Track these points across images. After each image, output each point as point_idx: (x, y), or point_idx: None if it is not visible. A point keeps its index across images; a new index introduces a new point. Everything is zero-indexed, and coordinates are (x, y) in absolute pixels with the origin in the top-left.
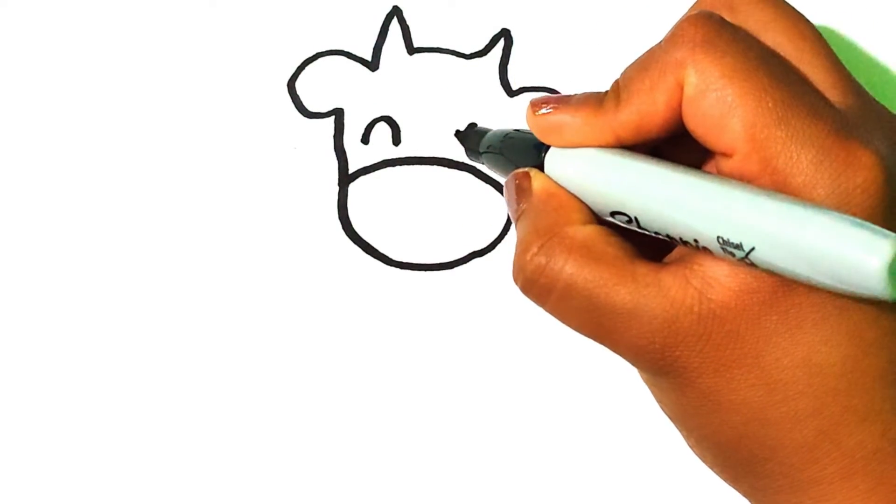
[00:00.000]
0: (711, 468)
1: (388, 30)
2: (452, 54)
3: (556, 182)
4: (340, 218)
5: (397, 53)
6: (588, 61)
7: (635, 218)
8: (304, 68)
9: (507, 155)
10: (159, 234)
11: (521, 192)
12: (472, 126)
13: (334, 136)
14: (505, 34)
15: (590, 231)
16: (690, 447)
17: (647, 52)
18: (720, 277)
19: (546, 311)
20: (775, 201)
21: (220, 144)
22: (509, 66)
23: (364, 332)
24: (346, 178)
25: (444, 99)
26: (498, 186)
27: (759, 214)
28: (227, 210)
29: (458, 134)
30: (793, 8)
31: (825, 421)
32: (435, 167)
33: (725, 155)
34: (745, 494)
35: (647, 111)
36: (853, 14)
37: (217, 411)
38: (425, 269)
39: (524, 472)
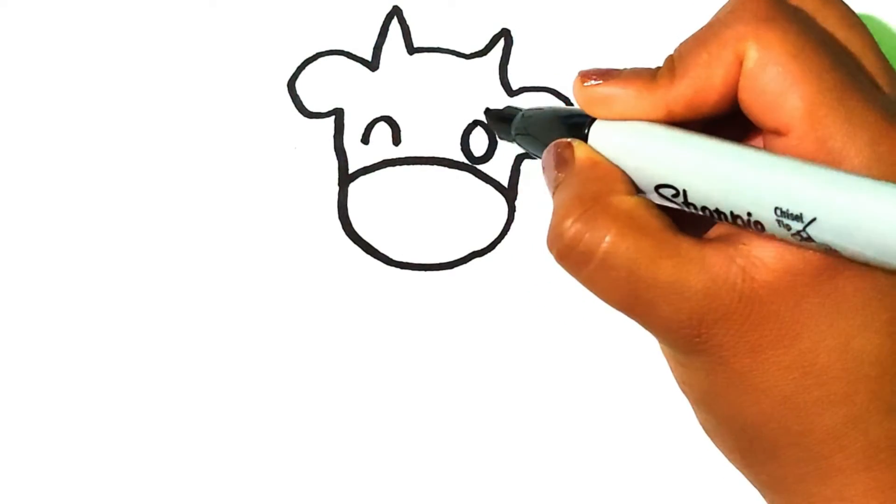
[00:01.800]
0: (729, 455)
1: (388, 30)
2: (452, 54)
3: (599, 153)
4: (340, 218)
5: (397, 53)
6: (588, 61)
7: (684, 191)
8: (304, 68)
9: (544, 132)
10: (159, 234)
11: (562, 161)
12: (489, 112)
13: (334, 136)
14: (505, 34)
15: (635, 202)
16: (707, 432)
17: (705, 26)
18: (765, 258)
19: (580, 280)
20: (839, 173)
21: (220, 144)
22: (509, 66)
23: (364, 332)
24: (346, 178)
25: (444, 99)
26: (498, 186)
27: (822, 185)
28: (228, 210)
29: (488, 113)
30: (840, 0)
31: (854, 408)
32: (435, 167)
33: (779, 133)
34: (762, 484)
35: (702, 85)
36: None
37: (217, 411)
38: (425, 269)
39: (524, 472)
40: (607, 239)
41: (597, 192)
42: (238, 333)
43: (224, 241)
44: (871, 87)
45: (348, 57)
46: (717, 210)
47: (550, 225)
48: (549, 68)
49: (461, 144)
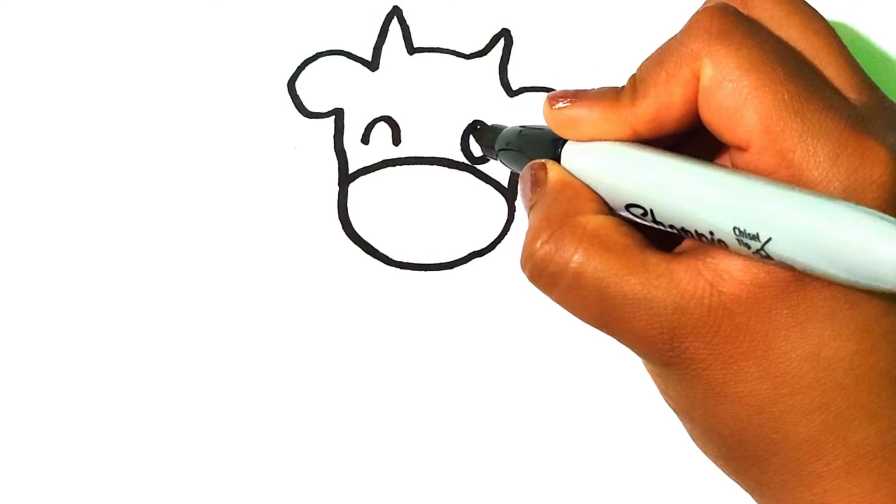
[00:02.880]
0: (715, 462)
1: (388, 30)
2: (452, 54)
3: (571, 174)
4: (340, 218)
5: (397, 53)
6: (588, 61)
7: (650, 210)
8: (304, 68)
9: (524, 150)
10: (159, 234)
11: (536, 182)
12: (476, 123)
13: (334, 136)
14: (505, 34)
15: (602, 221)
16: (694, 440)
17: (664, 45)
18: (732, 271)
19: (553, 300)
20: (793, 192)
21: (220, 144)
22: (509, 66)
23: (364, 332)
24: (346, 178)
25: (444, 99)
26: (498, 186)
27: (776, 204)
28: (228, 210)
29: (471, 130)
30: (807, 4)
31: (831, 416)
32: (435, 167)
33: (741, 149)
34: (749, 489)
35: (663, 104)
36: (865, 11)
37: (217, 411)
38: (425, 269)
39: (524, 472)
40: (575, 258)
41: (565, 213)
42: (238, 333)
43: (224, 241)
44: (835, 96)
45: (348, 57)
46: (682, 228)
47: (523, 245)
48: (549, 68)
49: (461, 144)
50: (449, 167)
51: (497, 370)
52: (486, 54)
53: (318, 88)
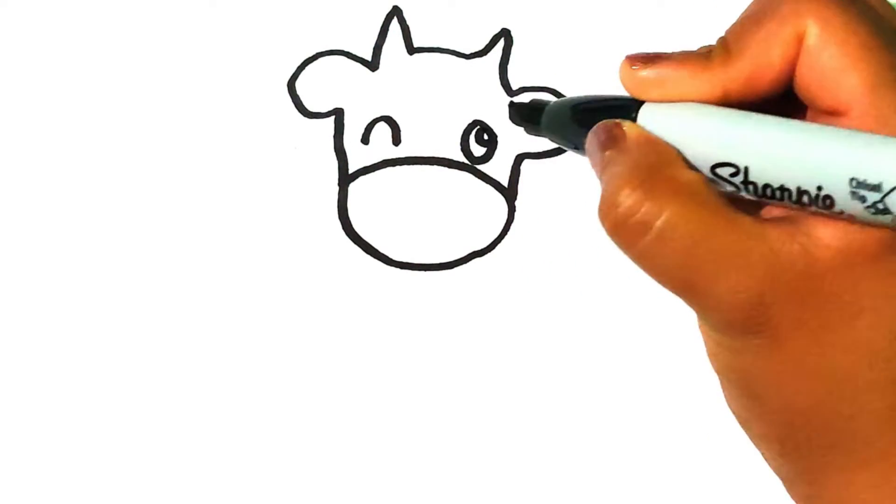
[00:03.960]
0: (767, 444)
1: (388, 30)
2: (452, 54)
3: (651, 132)
4: (340, 218)
5: (397, 53)
6: (588, 61)
7: (745, 169)
8: (304, 68)
9: (583, 123)
10: (160, 234)
11: (612, 138)
12: (515, 104)
13: (334, 136)
14: (505, 34)
15: (693, 176)
16: (745, 421)
17: (756, 4)
18: (823, 237)
19: (632, 255)
20: None
21: (220, 144)
22: (509, 66)
23: (364, 332)
24: (346, 178)
25: (444, 99)
26: (498, 186)
27: None
28: (228, 210)
29: (512, 106)
30: None
31: None
32: (435, 167)
33: (837, 113)
34: (797, 473)
35: (760, 64)
36: None
37: (217, 410)
38: (425, 269)
39: (524, 471)
40: (668, 209)
41: (655, 164)
42: (238, 333)
43: (224, 241)
44: None
45: (348, 57)
46: (781, 188)
47: (602, 197)
48: (549, 68)
49: (461, 144)
50: (449, 167)
51: (497, 370)
52: (486, 54)
53: (318, 88)
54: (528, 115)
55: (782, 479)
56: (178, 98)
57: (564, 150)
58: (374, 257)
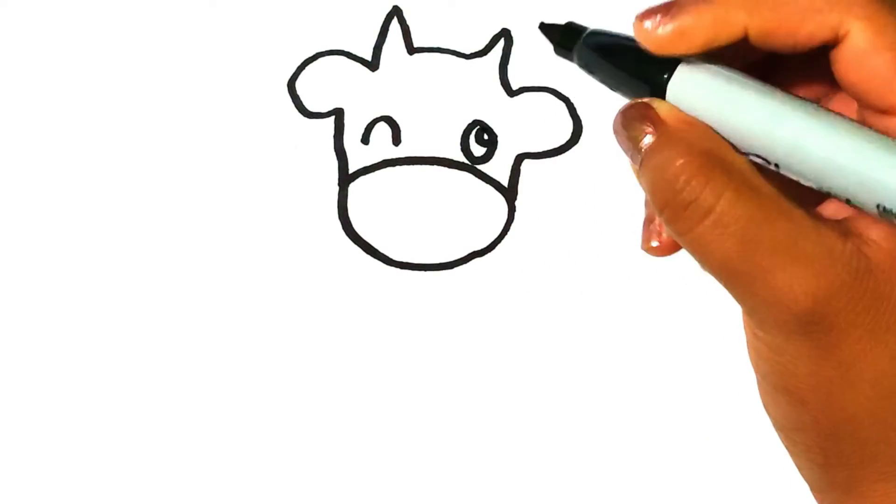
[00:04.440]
0: (805, 452)
1: (388, 30)
2: (452, 54)
3: (685, 112)
4: (340, 218)
5: (397, 53)
6: None
7: (776, 164)
8: (304, 68)
9: (618, 65)
10: (160, 234)
11: (648, 121)
12: (547, 25)
13: (334, 136)
14: (505, 34)
15: (746, 161)
16: (783, 427)
17: None
18: (876, 238)
19: (688, 241)
20: None
21: (220, 144)
22: (509, 66)
23: (364, 332)
24: (346, 178)
25: (444, 99)
26: (498, 186)
27: None
28: (228, 210)
29: (544, 26)
30: None
31: None
32: (435, 167)
33: (884, 113)
34: (835, 484)
35: (788, 27)
36: None
37: (217, 410)
38: (425, 269)
39: (524, 471)
40: (726, 194)
41: (708, 149)
42: (238, 333)
43: (224, 241)
44: None
45: (348, 57)
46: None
47: (659, 186)
48: (549, 68)
49: (461, 144)
50: (449, 167)
51: (497, 369)
52: (486, 54)
53: (318, 88)
54: (561, 39)
55: (812, 485)
56: (179, 98)
57: (564, 151)
58: (374, 257)
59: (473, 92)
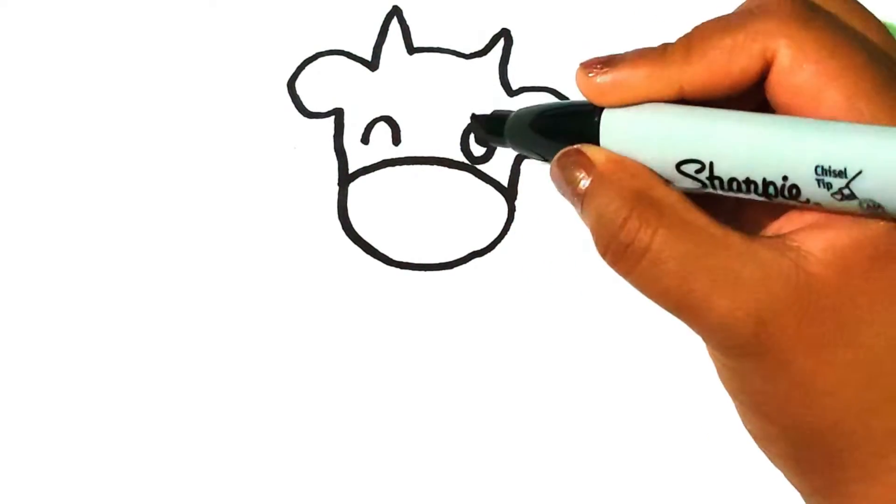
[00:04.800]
0: (783, 462)
1: (388, 30)
2: (452, 54)
3: (615, 153)
4: (340, 218)
5: (397, 53)
6: None
7: (710, 164)
8: (304, 68)
9: (544, 130)
10: (159, 234)
11: (580, 166)
12: (476, 116)
13: (334, 136)
14: (505, 34)
15: (676, 196)
16: (760, 440)
17: (730, 15)
18: (815, 250)
19: (633, 281)
20: (881, 127)
21: (220, 144)
22: (509, 66)
23: (364, 332)
24: (346, 178)
25: (444, 99)
26: (498, 186)
27: (867, 136)
28: (228, 210)
29: (475, 118)
30: (861, 4)
31: None
32: (435, 167)
33: None
34: (815, 489)
35: (719, 70)
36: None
37: (217, 411)
38: (425, 269)
39: (524, 471)
40: (659, 232)
41: (637, 189)
42: (238, 333)
43: (224, 241)
44: None
45: (348, 57)
46: (746, 180)
47: (599, 231)
48: (549, 68)
49: (461, 144)
50: (449, 167)
51: (497, 369)
52: (486, 54)
53: (318, 88)
54: (491, 128)
55: (798, 490)
56: (179, 98)
57: None
58: (374, 257)
59: (473, 92)
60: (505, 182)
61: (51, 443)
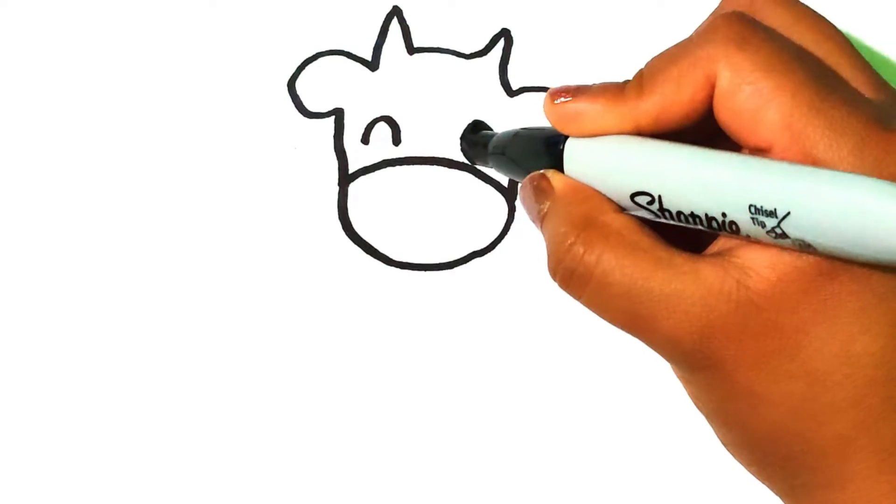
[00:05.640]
0: (748, 468)
1: (388, 30)
2: (452, 54)
3: (575, 179)
4: (340, 218)
5: (397, 53)
6: (588, 61)
7: (658, 197)
8: (304, 68)
9: (519, 155)
10: (159, 234)
11: (542, 191)
12: (474, 126)
13: (334, 136)
14: (505, 34)
15: (624, 220)
16: (727, 447)
17: (677, 45)
18: (757, 267)
19: (583, 304)
20: (811, 168)
21: (220, 144)
22: (509, 66)
23: (364, 333)
24: (346, 178)
25: (444, 99)
26: (498, 186)
27: (794, 179)
28: (228, 210)
29: (463, 138)
30: (814, 10)
31: (864, 412)
32: (435, 167)
33: (761, 150)
34: (782, 493)
35: (670, 101)
36: (865, 13)
37: (217, 411)
38: (425, 269)
39: (524, 472)
40: (604, 257)
41: (586, 214)
42: (238, 333)
43: (224, 242)
44: (854, 94)
45: (348, 57)
46: (692, 214)
47: (549, 254)
48: (549, 68)
49: (461, 144)
50: (449, 167)
51: (497, 370)
52: (486, 54)
53: (318, 88)
54: (476, 153)
55: (776, 495)
56: (178, 98)
57: None
58: (374, 257)
59: (473, 92)
60: (505, 182)
61: (50, 443)
